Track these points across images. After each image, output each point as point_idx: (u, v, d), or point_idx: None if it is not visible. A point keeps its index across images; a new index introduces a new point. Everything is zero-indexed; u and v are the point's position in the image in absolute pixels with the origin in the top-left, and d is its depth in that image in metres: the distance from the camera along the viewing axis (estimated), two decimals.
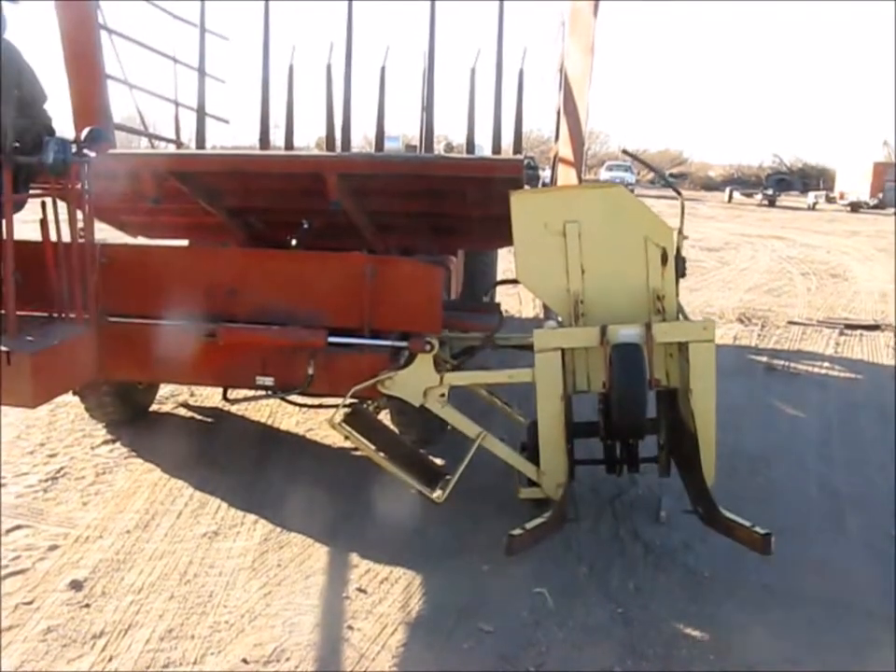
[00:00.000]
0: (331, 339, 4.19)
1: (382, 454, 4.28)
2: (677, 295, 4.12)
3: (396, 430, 5.14)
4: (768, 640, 3.55)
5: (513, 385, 4.39)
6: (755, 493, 4.96)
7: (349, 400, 4.24)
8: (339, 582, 3.91)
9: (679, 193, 4.57)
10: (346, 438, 4.30)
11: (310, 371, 4.25)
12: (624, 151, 5.54)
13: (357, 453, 4.96)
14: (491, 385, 4.79)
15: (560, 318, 4.19)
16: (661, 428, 4.26)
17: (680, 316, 4.12)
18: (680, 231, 4.21)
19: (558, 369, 3.99)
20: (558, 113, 6.38)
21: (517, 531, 3.66)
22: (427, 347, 4.13)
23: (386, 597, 3.79)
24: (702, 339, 3.94)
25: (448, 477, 4.21)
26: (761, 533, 3.65)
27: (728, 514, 3.82)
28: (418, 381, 4.19)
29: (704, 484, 3.94)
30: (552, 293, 4.11)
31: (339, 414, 4.18)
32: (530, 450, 4.25)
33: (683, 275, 4.27)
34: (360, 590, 3.84)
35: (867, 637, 3.62)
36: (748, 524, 3.74)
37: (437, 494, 4.09)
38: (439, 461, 4.87)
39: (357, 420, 4.28)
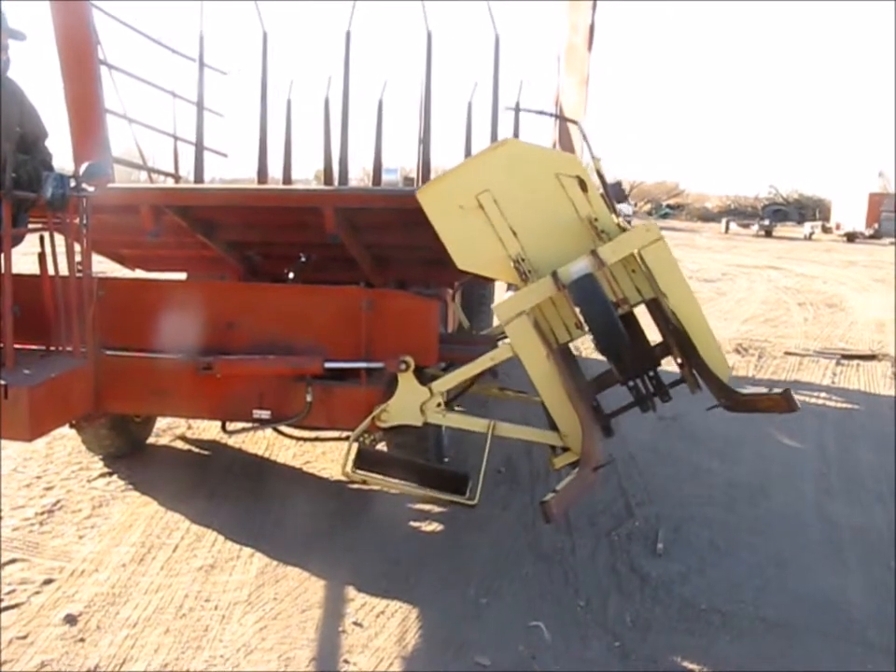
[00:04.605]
0: (327, 364, 4.21)
1: (403, 483, 4.26)
2: (616, 215, 4.06)
3: None
4: None
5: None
6: (754, 524, 4.96)
7: (351, 441, 4.22)
8: (335, 616, 3.89)
9: (574, 122, 4.55)
10: (364, 482, 4.29)
11: (308, 399, 4.26)
12: (517, 108, 5.52)
13: (354, 485, 4.97)
14: (477, 375, 4.72)
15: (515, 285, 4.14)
16: (671, 346, 4.17)
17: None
18: (593, 156, 4.23)
19: (531, 331, 3.91)
20: (554, 145, 6.44)
21: (549, 496, 3.48)
22: (403, 367, 4.13)
23: (382, 631, 3.77)
24: (649, 241, 3.85)
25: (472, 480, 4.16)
26: (780, 393, 3.66)
27: (746, 391, 3.81)
28: (410, 401, 4.15)
29: (714, 375, 3.88)
30: (494, 266, 4.04)
31: (349, 463, 4.16)
32: (551, 422, 4.12)
33: (624, 199, 4.22)
34: (356, 624, 3.82)
35: (867, 670, 3.60)
36: (765, 390, 3.75)
37: (468, 498, 4.06)
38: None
39: (367, 461, 4.26)
